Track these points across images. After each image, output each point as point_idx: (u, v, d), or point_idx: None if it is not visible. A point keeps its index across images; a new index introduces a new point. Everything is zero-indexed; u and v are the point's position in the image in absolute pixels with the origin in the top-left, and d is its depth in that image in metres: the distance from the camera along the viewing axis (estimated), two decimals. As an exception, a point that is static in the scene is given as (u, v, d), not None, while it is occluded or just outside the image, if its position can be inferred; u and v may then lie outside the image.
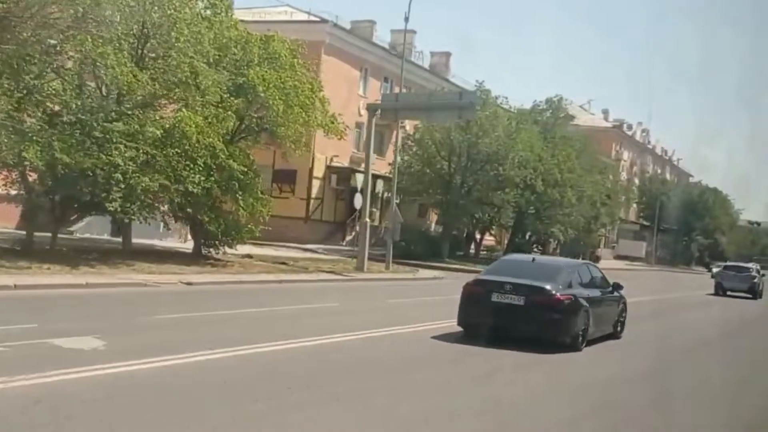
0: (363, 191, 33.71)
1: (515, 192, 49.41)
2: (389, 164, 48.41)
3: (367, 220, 33.23)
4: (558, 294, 14.89)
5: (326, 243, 50.41)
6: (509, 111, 51.09)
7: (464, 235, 55.59)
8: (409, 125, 50.30)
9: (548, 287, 14.94)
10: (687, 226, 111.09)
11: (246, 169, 26.55)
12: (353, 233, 52.28)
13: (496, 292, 14.95)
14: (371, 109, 33.11)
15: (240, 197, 26.86)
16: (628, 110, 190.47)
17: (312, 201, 50.51)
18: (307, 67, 30.08)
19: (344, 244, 50.63)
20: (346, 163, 52.56)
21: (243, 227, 28.09)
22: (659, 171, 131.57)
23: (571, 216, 55.41)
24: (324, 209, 51.32)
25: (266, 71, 27.13)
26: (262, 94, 27.05)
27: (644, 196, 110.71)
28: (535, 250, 62.49)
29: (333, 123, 30.08)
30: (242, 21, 53.06)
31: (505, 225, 55.53)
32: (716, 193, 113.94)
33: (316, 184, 50.70)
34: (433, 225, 56.48)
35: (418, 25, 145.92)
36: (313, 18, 50.62)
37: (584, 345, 15.31)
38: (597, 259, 77.43)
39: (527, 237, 60.21)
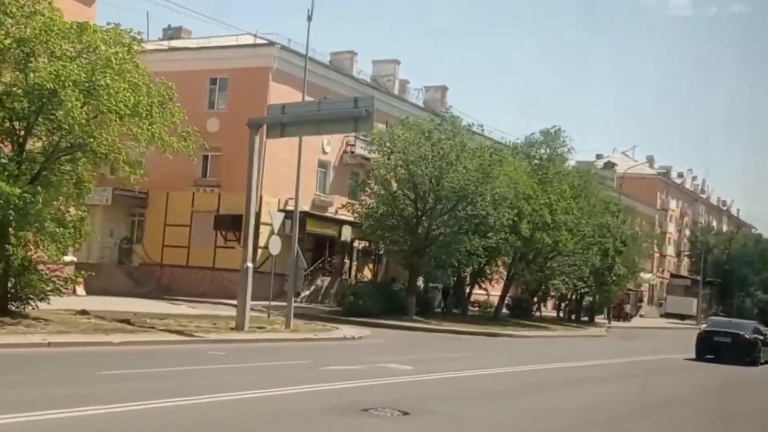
0: (246, 227, 26.88)
1: (498, 237, 42.03)
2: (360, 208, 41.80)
3: (249, 265, 26.56)
4: (748, 336, 30.31)
5: (279, 299, 43.52)
6: (495, 142, 43.87)
7: (449, 289, 48.13)
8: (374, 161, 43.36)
9: (743, 333, 30.51)
10: (743, 280, 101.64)
11: (25, 193, 19.86)
12: (312, 288, 45.42)
13: (715, 336, 30.49)
14: (253, 124, 26.45)
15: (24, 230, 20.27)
16: (678, 158, 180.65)
17: (260, 251, 43.70)
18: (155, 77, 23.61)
19: (298, 300, 43.58)
20: (306, 208, 45.79)
21: (42, 276, 21.42)
22: (714, 222, 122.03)
23: (573, 265, 47.63)
24: (277, 260, 44.37)
25: (63, 65, 20.63)
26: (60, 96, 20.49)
27: (696, 249, 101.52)
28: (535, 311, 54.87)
29: (186, 140, 23.38)
30: (186, 49, 48.52)
31: (491, 277, 48.05)
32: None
33: (265, 232, 43.95)
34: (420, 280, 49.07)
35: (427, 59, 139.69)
36: (259, 41, 44.46)
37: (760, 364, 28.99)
38: (626, 316, 69.17)
39: (521, 291, 52.63)
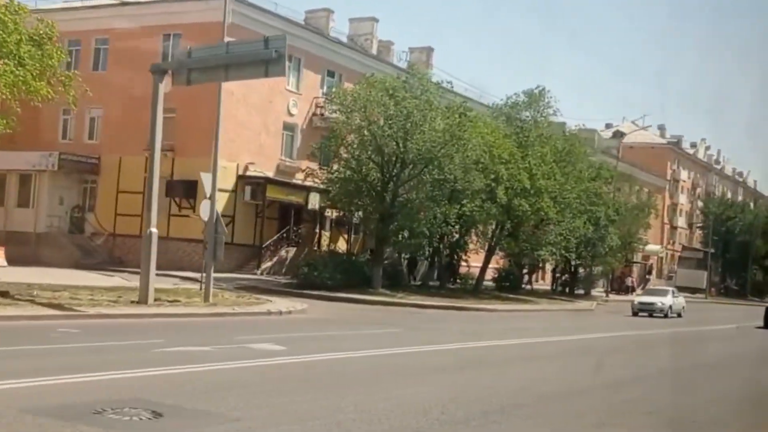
0: (149, 188, 23.75)
1: (474, 204, 38.70)
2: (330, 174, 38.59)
3: (153, 230, 23.35)
4: None
5: (239, 271, 40.55)
6: (465, 100, 40.37)
7: (419, 259, 44.84)
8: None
9: None
10: (757, 252, 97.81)
11: None
12: (274, 259, 42.27)
13: None
14: (156, 70, 23.24)
15: None
16: (692, 129, 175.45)
17: (217, 219, 40.59)
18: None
19: (259, 272, 40.59)
20: (270, 173, 42.68)
21: None
22: (729, 194, 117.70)
23: (560, 235, 44.27)
24: (236, 230, 41.37)
25: None
26: None
27: (708, 221, 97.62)
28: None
29: (66, 83, 20.29)
30: (137, 3, 45.21)
31: (466, 247, 44.81)
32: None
33: (222, 199, 40.78)
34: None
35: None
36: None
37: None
38: (628, 290, 65.71)
39: (510, 262, 49.37)
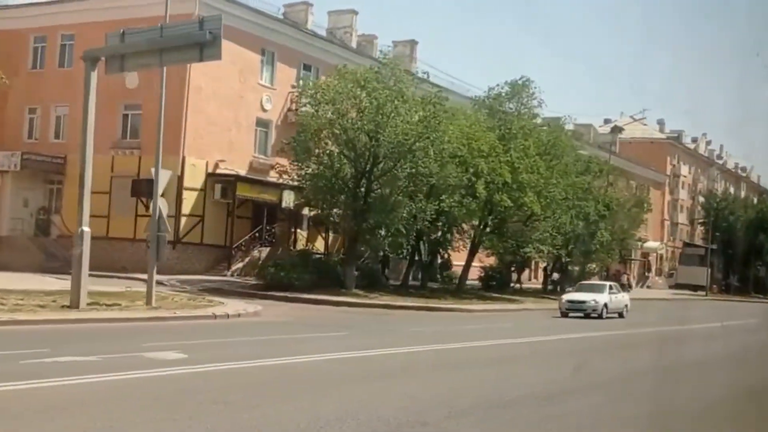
0: (81, 184, 22.26)
1: (452, 200, 37.07)
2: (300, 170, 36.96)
3: (85, 229, 21.89)
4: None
5: (210, 273, 39.01)
6: (440, 90, 38.70)
7: (411, 258, 43.15)
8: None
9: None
10: (760, 248, 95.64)
11: None
12: (246, 260, 40.67)
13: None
14: (88, 57, 21.60)
15: None
16: (694, 124, 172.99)
17: (184, 219, 39.09)
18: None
19: (229, 274, 39.01)
20: (242, 171, 41.10)
21: None
22: (732, 189, 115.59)
23: (546, 232, 42.60)
24: (206, 230, 39.86)
25: None
26: None
27: (710, 216, 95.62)
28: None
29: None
30: None
31: (449, 245, 43.21)
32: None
33: (190, 198, 39.34)
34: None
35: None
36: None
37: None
38: (623, 287, 63.85)
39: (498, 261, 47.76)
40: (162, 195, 27.58)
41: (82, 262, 21.30)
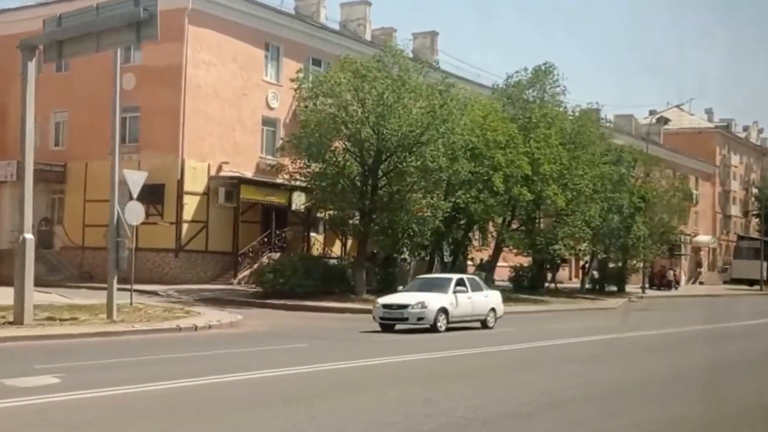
0: (24, 186, 20.30)
1: (468, 195, 34.57)
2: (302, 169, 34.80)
3: (27, 236, 19.89)
4: None
5: (215, 282, 36.97)
6: (446, 76, 36.15)
7: (431, 259, 40.65)
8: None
9: None
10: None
11: None
12: (255, 266, 38.42)
13: None
14: (25, 47, 19.57)
15: None
16: (745, 113, 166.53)
17: (186, 226, 37.09)
18: None
19: (236, 282, 36.88)
20: (248, 173, 39.00)
21: None
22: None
23: (574, 227, 39.84)
24: (210, 237, 37.82)
25: None
26: None
27: (765, 208, 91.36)
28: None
29: None
30: None
31: (468, 244, 40.61)
32: None
33: (192, 203, 37.33)
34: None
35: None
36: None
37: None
38: (669, 284, 60.70)
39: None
40: (136, 198, 25.66)
41: (24, 275, 19.18)
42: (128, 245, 22.16)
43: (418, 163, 32.20)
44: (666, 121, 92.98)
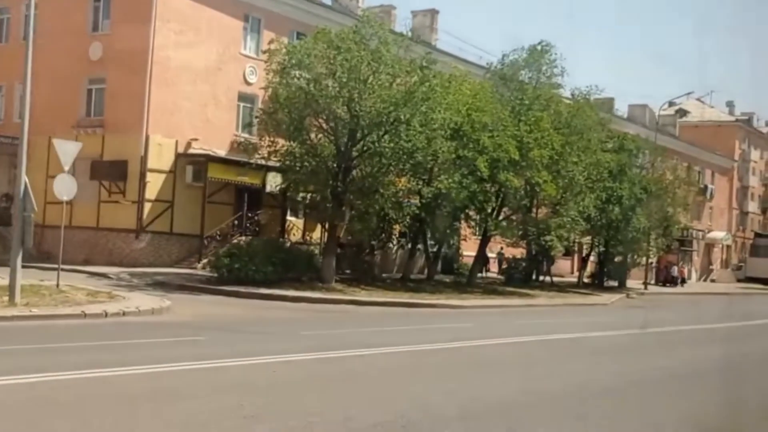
0: None
1: (451, 180, 32.17)
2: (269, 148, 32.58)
3: None
4: None
5: (180, 265, 34.78)
6: (430, 51, 33.61)
7: (412, 247, 38.31)
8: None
9: None
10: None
11: None
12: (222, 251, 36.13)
13: None
14: None
15: None
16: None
17: (150, 205, 34.92)
18: None
19: (200, 266, 34.59)
20: (222, 152, 36.75)
21: None
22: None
23: (567, 217, 37.40)
24: (176, 218, 35.64)
25: None
26: None
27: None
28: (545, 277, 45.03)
29: None
30: None
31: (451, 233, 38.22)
32: None
33: (158, 181, 35.16)
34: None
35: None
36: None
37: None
38: (674, 280, 58.11)
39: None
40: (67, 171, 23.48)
41: None
42: (35, 220, 19.85)
43: (393, 143, 29.79)
44: (685, 113, 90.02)
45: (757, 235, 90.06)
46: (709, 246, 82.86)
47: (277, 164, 33.91)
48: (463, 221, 37.94)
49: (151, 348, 13.61)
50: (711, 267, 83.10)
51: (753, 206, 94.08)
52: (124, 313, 18.93)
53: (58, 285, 22.45)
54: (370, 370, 12.33)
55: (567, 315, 29.26)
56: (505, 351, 15.68)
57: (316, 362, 12.66)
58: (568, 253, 54.99)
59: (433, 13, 50.40)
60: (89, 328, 16.57)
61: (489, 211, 37.07)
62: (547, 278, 46.34)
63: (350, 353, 13.75)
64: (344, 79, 29.05)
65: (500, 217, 37.47)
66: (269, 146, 32.06)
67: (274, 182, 36.24)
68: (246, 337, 16.25)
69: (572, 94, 39.53)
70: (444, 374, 12.25)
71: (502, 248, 44.39)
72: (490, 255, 45.78)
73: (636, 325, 25.18)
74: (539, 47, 38.25)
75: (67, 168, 23.45)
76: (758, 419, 10.04)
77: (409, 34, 37.48)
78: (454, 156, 31.84)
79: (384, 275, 37.21)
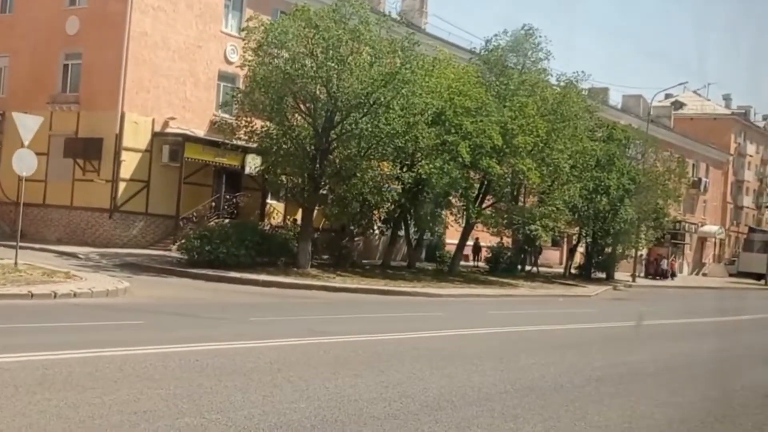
0: None
1: (432, 166, 31.33)
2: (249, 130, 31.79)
3: None
4: None
5: (154, 247, 33.99)
6: (412, 32, 32.61)
7: (392, 234, 37.61)
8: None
9: None
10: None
11: None
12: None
13: None
14: None
15: None
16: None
17: (124, 184, 34.12)
18: None
19: (175, 248, 33.74)
20: (200, 132, 35.94)
21: None
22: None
23: (551, 206, 36.66)
24: (152, 198, 34.84)
25: None
26: None
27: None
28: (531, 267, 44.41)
29: None
30: None
31: (436, 220, 37.41)
32: None
33: (133, 160, 34.34)
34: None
35: None
36: None
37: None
38: (664, 273, 57.43)
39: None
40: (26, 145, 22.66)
41: None
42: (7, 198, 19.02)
43: (371, 126, 28.97)
44: (681, 105, 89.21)
45: (751, 229, 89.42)
46: (702, 240, 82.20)
47: (256, 146, 33.15)
48: (446, 209, 37.04)
49: (74, 332, 12.79)
50: (704, 261, 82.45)
51: (747, 201, 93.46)
52: (75, 294, 18.16)
53: (15, 263, 21.68)
54: (300, 359, 11.45)
55: (546, 306, 28.53)
56: (462, 343, 14.86)
57: (245, 351, 11.78)
58: (556, 243, 54.32)
59: (422, -4, 49.46)
60: (30, 308, 15.79)
61: (472, 198, 36.25)
62: (534, 268, 45.62)
63: (285, 342, 12.90)
64: (322, 59, 28.23)
65: (483, 206, 36.64)
66: (246, 126, 31.25)
67: (253, 164, 35.43)
68: (193, 322, 15.47)
69: (558, 80, 38.63)
70: (375, 367, 11.32)
71: (477, 238, 43.66)
72: (483, 245, 45.15)
73: (616, 318, 24.46)
74: (522, 31, 37.42)
75: (26, 143, 22.55)
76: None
77: (396, 16, 36.63)
78: (436, 141, 30.99)
79: (364, 262, 36.50)
